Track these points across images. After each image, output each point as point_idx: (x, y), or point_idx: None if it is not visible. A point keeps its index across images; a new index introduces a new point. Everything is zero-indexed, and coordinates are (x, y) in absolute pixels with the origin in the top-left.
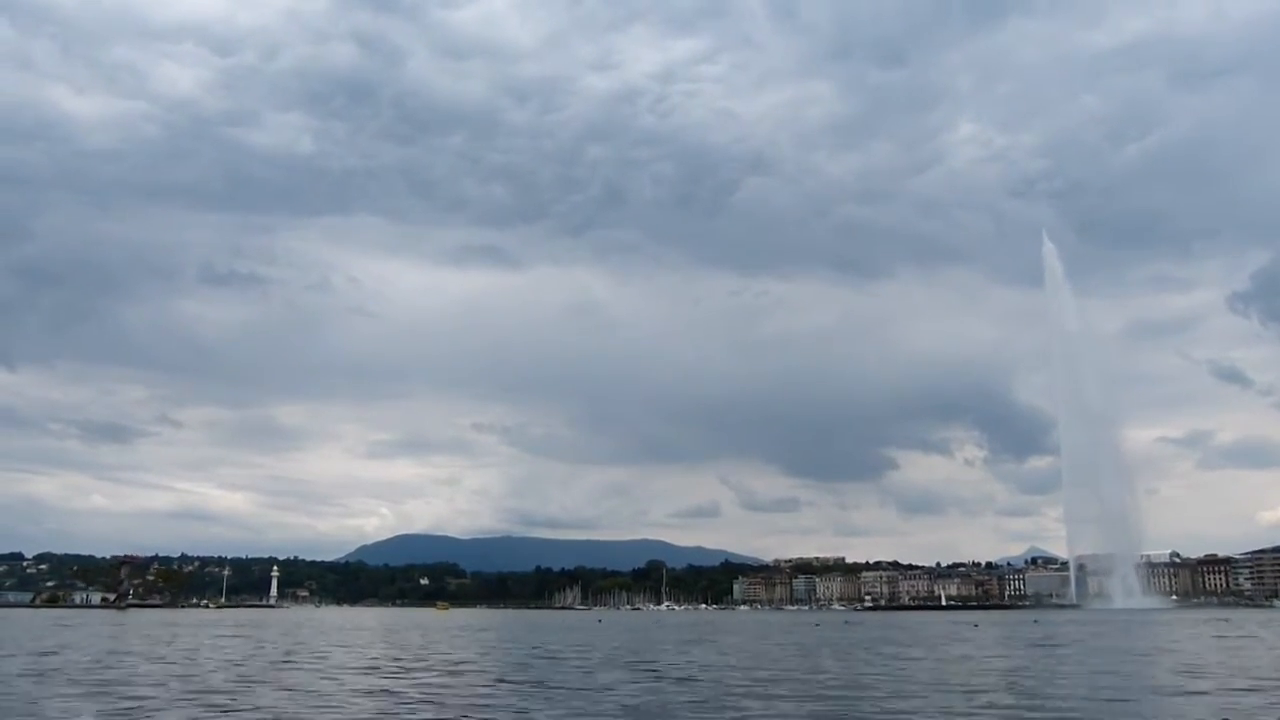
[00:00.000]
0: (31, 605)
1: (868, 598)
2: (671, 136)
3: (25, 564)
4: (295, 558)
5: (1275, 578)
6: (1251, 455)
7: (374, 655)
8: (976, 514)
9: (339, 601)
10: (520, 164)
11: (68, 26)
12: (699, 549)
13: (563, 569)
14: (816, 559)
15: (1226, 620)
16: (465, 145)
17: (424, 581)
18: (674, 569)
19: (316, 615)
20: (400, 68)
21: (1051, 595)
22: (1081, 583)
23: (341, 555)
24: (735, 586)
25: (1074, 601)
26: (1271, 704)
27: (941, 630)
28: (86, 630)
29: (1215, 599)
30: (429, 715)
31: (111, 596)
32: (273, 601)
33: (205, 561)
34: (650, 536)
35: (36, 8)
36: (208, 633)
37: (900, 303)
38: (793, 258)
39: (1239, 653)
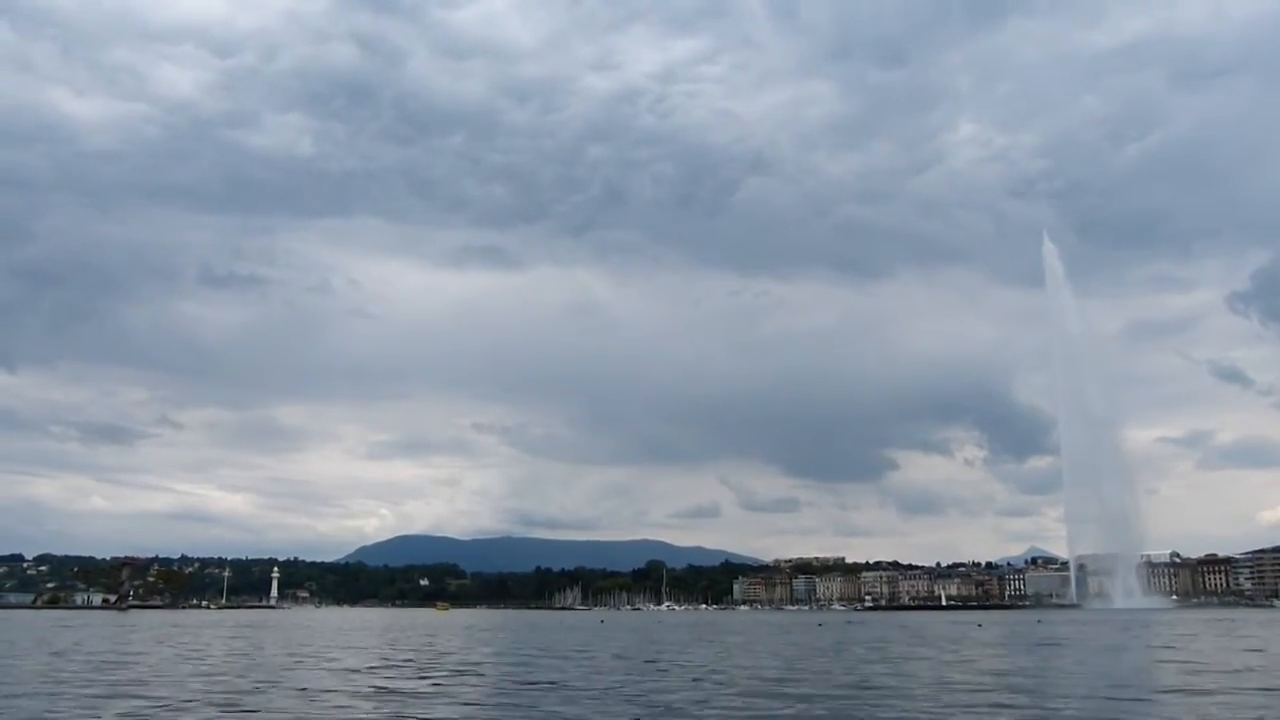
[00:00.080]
0: (33, 606)
1: (868, 598)
2: (672, 137)
3: (26, 565)
4: (295, 559)
5: (1276, 578)
6: (1252, 455)
7: (386, 656)
8: (976, 514)
9: (339, 602)
10: (520, 164)
11: (68, 29)
12: (699, 549)
13: (563, 569)
14: (816, 559)
15: (1231, 620)
16: (465, 146)
17: (424, 582)
18: (674, 569)
19: (317, 616)
20: (400, 68)
21: (1051, 595)
22: (1082, 583)
23: (341, 556)
24: (735, 587)
25: (1074, 601)
26: None
27: (947, 630)
28: (91, 631)
29: (1215, 599)
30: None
31: (112, 598)
32: (273, 602)
33: (205, 563)
34: (650, 537)
35: (37, 10)
36: (214, 633)
37: (900, 303)
38: (793, 258)
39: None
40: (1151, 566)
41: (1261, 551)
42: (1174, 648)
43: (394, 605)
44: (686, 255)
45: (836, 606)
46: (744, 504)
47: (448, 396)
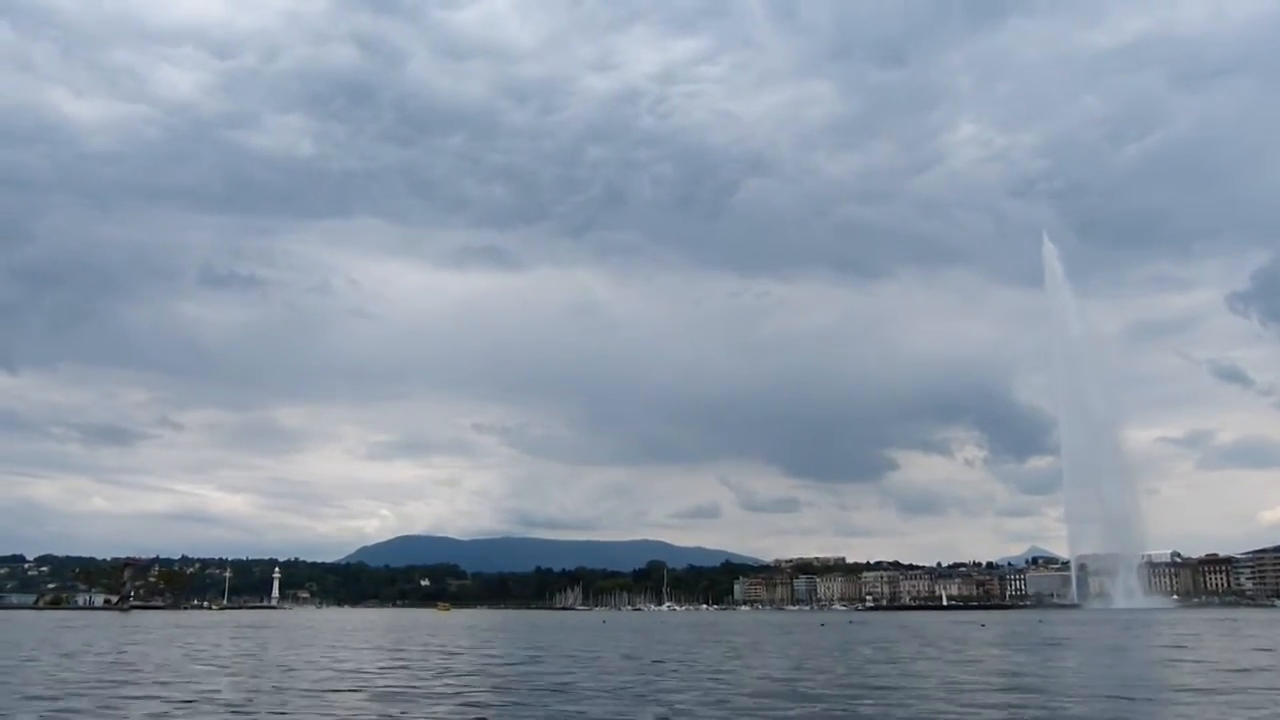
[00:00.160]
0: (34, 607)
1: (869, 598)
2: (672, 137)
3: (27, 566)
4: (296, 559)
5: (1277, 577)
6: (1252, 455)
7: (396, 657)
8: (977, 514)
9: (339, 603)
10: (520, 165)
11: (68, 30)
12: (699, 549)
13: (563, 570)
14: (817, 559)
15: (1234, 620)
16: (465, 146)
17: (425, 583)
18: (674, 569)
19: (319, 617)
20: (400, 69)
21: (1052, 595)
22: (1083, 583)
23: (342, 556)
24: (736, 587)
25: (1074, 601)
26: None
27: (951, 631)
28: (98, 632)
29: (1216, 599)
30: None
31: (114, 598)
32: (274, 603)
33: (206, 563)
34: (650, 537)
35: (37, 11)
36: (220, 634)
37: (900, 303)
38: (793, 258)
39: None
40: (1152, 566)
41: (1262, 551)
42: (1182, 647)
43: (395, 606)
44: (686, 256)
45: (837, 607)
46: (744, 504)
47: (448, 397)
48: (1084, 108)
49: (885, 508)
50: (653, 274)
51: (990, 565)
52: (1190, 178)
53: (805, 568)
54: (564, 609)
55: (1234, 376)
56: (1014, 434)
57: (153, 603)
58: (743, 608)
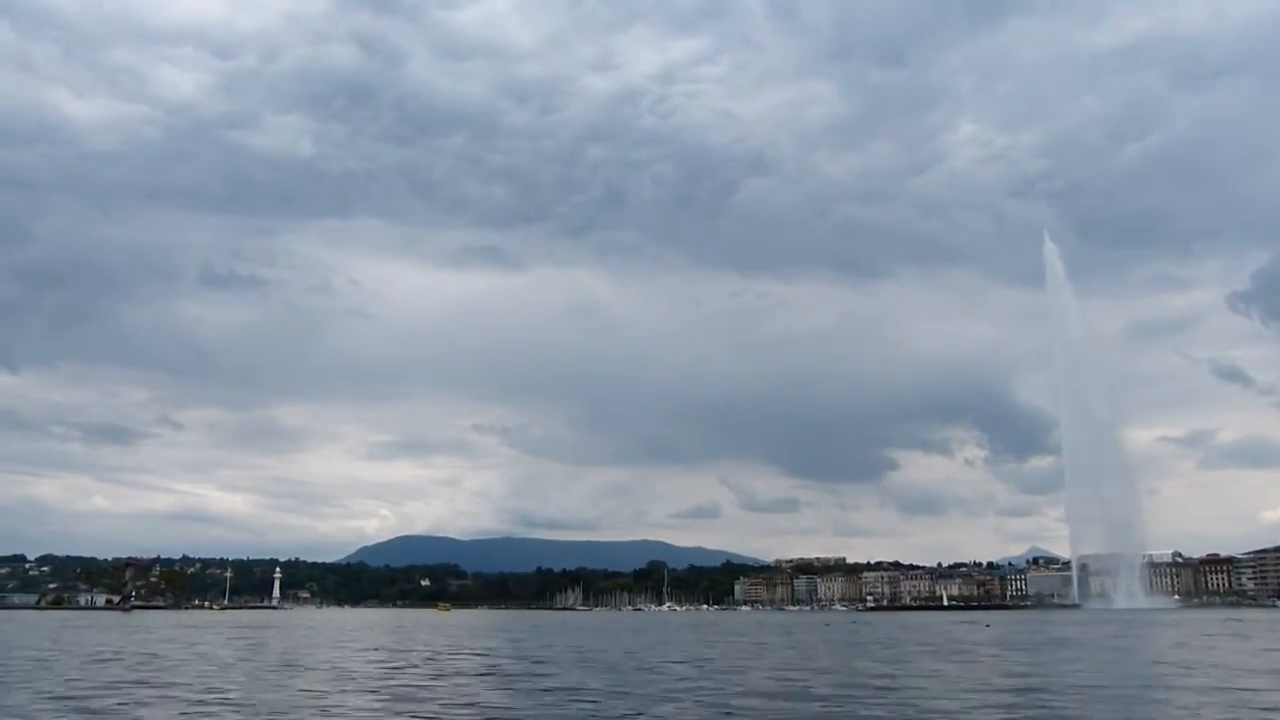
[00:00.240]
0: (36, 607)
1: (869, 598)
2: (672, 137)
3: (28, 565)
4: (296, 559)
5: (1278, 578)
6: (1253, 455)
7: (407, 658)
8: (977, 514)
9: (339, 603)
10: (521, 165)
11: (69, 30)
12: (699, 549)
13: (564, 570)
14: (817, 559)
15: (1239, 620)
16: (465, 146)
17: (425, 583)
18: (675, 570)
19: (320, 616)
20: (400, 69)
21: (1053, 595)
22: (1084, 583)
23: (342, 556)
24: (737, 587)
25: (1075, 602)
26: None
27: (957, 631)
28: (111, 634)
29: (1218, 599)
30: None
31: (116, 598)
32: (275, 603)
33: (207, 563)
34: (651, 537)
35: (38, 11)
36: (230, 634)
37: (900, 303)
38: (793, 258)
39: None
40: (1153, 567)
41: (1264, 551)
42: (1188, 647)
43: (395, 606)
44: (687, 256)
45: (838, 607)
46: (744, 504)
47: (448, 397)
48: (1084, 108)
49: (885, 508)
50: (653, 274)
51: (991, 565)
52: (1190, 178)
53: (806, 568)
54: (564, 609)
55: (1235, 376)
56: (1014, 434)
57: (154, 603)
58: (743, 608)
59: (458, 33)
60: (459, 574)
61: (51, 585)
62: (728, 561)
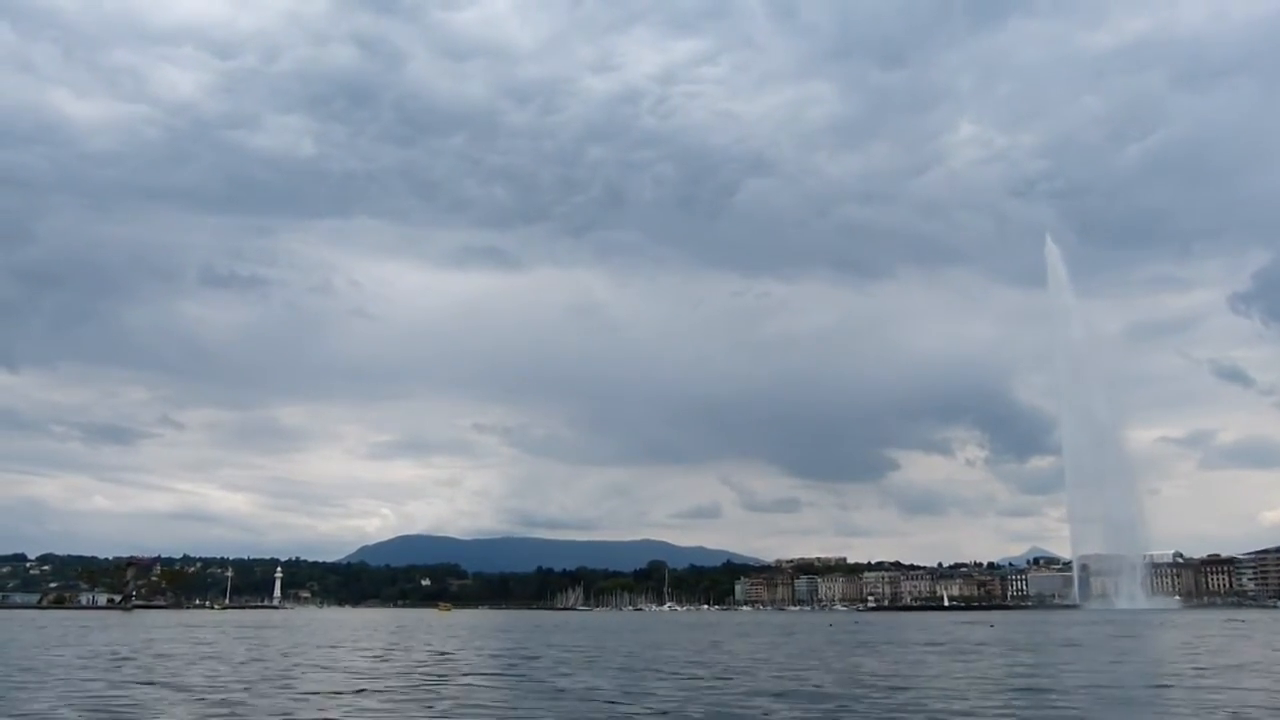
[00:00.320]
0: (38, 606)
1: (870, 598)
2: (672, 138)
3: (28, 565)
4: (297, 559)
5: (1279, 578)
6: (1254, 455)
7: (417, 658)
8: (978, 514)
9: (340, 602)
10: (521, 165)
11: (69, 30)
12: (700, 549)
13: (564, 570)
14: (818, 559)
15: (1242, 621)
16: (466, 147)
17: (426, 582)
18: (675, 569)
19: (322, 616)
20: (401, 70)
21: (1054, 596)
22: (1085, 583)
23: (343, 556)
24: (737, 587)
25: (1076, 602)
26: None
27: (961, 630)
28: (121, 633)
29: (1219, 599)
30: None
31: (117, 598)
32: (277, 603)
33: (208, 563)
34: (651, 537)
35: (38, 11)
36: (236, 634)
37: (901, 303)
38: (794, 259)
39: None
40: (1154, 567)
41: (1265, 552)
42: (1194, 647)
43: (395, 606)
44: (687, 256)
45: (839, 607)
46: (745, 504)
47: (448, 397)
48: (1085, 108)
49: (886, 508)
50: (653, 274)
51: (991, 566)
52: (1191, 178)
53: (806, 568)
54: (565, 609)
55: (1235, 376)
56: (1015, 434)
57: (155, 602)
58: (744, 608)
59: (458, 33)
60: (459, 574)
61: (52, 585)
62: (728, 561)
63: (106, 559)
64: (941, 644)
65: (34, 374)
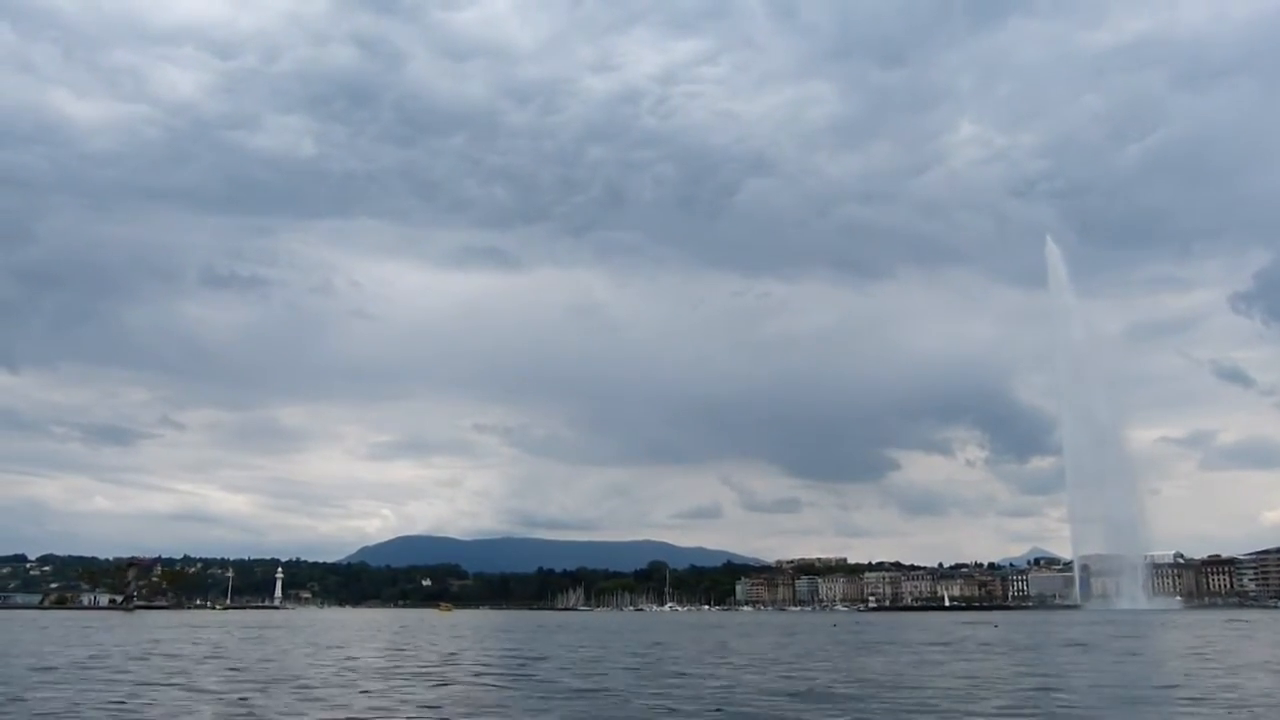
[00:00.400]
0: (40, 607)
1: (871, 598)
2: (672, 138)
3: (29, 565)
4: (297, 559)
5: None
6: (1254, 455)
7: (425, 659)
8: (978, 515)
9: (341, 603)
10: (521, 165)
11: (69, 30)
12: (700, 550)
13: (565, 570)
14: (819, 560)
15: (1244, 621)
16: (466, 147)
17: (426, 583)
18: (676, 570)
19: (323, 616)
20: (401, 70)
21: (1055, 596)
22: (1085, 584)
23: (343, 556)
24: (738, 587)
25: (1076, 603)
26: None
27: (963, 630)
28: (128, 633)
29: (1219, 600)
30: None
31: (118, 598)
32: (277, 603)
33: (208, 563)
34: (652, 537)
35: (38, 12)
36: (241, 634)
37: (901, 303)
38: (794, 259)
39: None
40: (1155, 567)
41: (1266, 552)
42: (1200, 648)
43: (396, 606)
44: (688, 256)
45: (839, 607)
46: (745, 504)
47: (449, 397)
48: (1085, 108)
49: (887, 508)
50: (654, 274)
51: (992, 566)
52: (1191, 178)
53: (807, 568)
54: (565, 610)
55: (1236, 377)
56: (1015, 434)
57: (156, 603)
58: (745, 608)
59: (458, 33)
60: (460, 574)
61: (53, 585)
62: (729, 562)
63: (107, 560)
64: (947, 644)
65: (34, 374)
